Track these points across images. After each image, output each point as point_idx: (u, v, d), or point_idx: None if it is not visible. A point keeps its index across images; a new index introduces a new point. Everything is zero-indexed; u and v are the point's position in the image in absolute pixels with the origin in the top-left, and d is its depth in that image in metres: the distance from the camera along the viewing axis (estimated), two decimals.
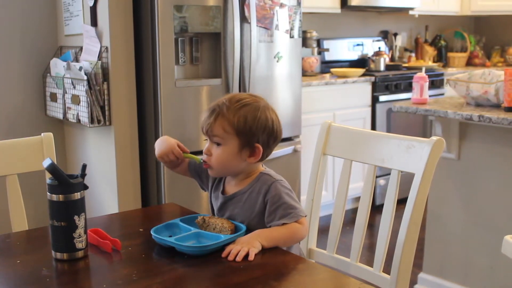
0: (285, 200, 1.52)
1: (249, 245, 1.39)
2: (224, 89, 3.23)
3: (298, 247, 1.65)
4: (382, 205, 1.69)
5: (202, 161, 1.59)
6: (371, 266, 1.69)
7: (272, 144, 1.57)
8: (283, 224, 1.49)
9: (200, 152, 1.84)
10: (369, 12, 5.13)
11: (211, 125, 1.52)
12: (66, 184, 1.37)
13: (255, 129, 1.52)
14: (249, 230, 1.50)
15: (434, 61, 5.43)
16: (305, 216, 1.54)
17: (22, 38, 3.41)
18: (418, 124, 4.58)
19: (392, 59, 5.23)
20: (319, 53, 4.70)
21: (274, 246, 1.46)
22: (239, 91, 3.26)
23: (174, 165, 1.72)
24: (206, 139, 1.57)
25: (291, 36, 3.52)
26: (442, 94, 4.65)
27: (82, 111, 3.06)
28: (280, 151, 3.47)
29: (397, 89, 4.45)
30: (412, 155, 1.60)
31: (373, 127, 4.34)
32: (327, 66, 4.76)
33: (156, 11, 2.97)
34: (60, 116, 3.29)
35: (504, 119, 2.32)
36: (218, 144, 1.53)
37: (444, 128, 2.72)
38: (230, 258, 1.36)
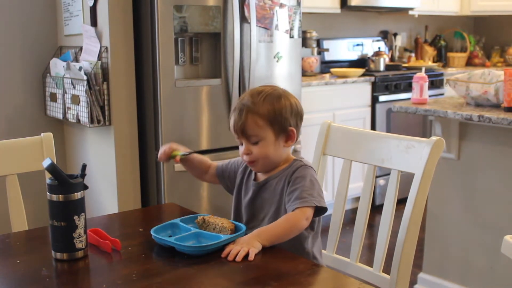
0: (306, 184, 1.54)
1: (249, 245, 1.39)
2: (224, 89, 3.24)
3: (319, 246, 1.66)
4: (382, 205, 1.69)
5: (242, 159, 1.62)
6: (371, 266, 1.69)
7: (300, 124, 1.63)
8: (295, 208, 1.50)
9: (202, 152, 1.85)
10: (368, 12, 5.13)
11: (243, 124, 1.55)
12: (66, 184, 1.37)
13: (285, 114, 1.57)
14: (278, 216, 1.53)
15: (434, 61, 5.43)
16: (323, 207, 1.54)
17: (22, 38, 3.41)
18: (418, 124, 4.59)
19: (392, 59, 5.23)
20: (319, 53, 4.70)
21: (276, 243, 1.46)
22: (239, 91, 3.26)
23: (201, 172, 1.76)
24: (241, 143, 1.59)
25: (291, 36, 3.52)
26: (442, 94, 4.65)
27: (82, 111, 3.06)
28: None
29: (396, 89, 4.45)
30: (411, 155, 1.60)
31: (373, 127, 4.34)
32: (326, 66, 4.76)
33: (156, 11, 2.97)
34: (60, 116, 3.29)
35: (504, 119, 2.32)
36: (256, 143, 1.56)
37: (443, 128, 2.72)
38: (230, 258, 1.36)
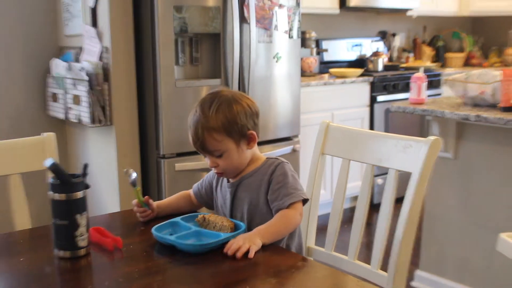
0: (289, 180, 1.56)
1: (250, 242, 1.40)
2: None
3: (300, 242, 1.68)
4: (379, 204, 1.71)
5: (215, 173, 1.64)
6: (369, 263, 1.71)
7: (258, 122, 1.62)
8: (289, 205, 1.53)
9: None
10: (367, 12, 5.14)
11: (202, 143, 1.55)
12: (68, 183, 1.39)
13: (240, 121, 1.55)
14: (255, 213, 1.56)
15: (432, 62, 5.44)
16: (308, 199, 1.59)
17: (23, 38, 3.42)
18: (416, 124, 4.60)
19: (390, 59, 5.24)
20: (318, 53, 4.71)
21: (274, 241, 1.48)
22: (239, 91, 3.28)
23: (188, 206, 1.75)
24: (205, 156, 1.60)
25: (290, 37, 3.54)
26: (440, 94, 4.66)
27: (83, 111, 3.08)
28: (279, 150, 3.49)
29: (395, 89, 4.47)
30: (409, 154, 1.62)
31: (371, 127, 4.36)
32: (325, 66, 4.77)
33: (156, 11, 2.99)
34: (62, 116, 3.31)
35: (501, 119, 2.34)
36: (220, 155, 1.57)
37: (441, 128, 2.74)
38: (230, 253, 1.37)
